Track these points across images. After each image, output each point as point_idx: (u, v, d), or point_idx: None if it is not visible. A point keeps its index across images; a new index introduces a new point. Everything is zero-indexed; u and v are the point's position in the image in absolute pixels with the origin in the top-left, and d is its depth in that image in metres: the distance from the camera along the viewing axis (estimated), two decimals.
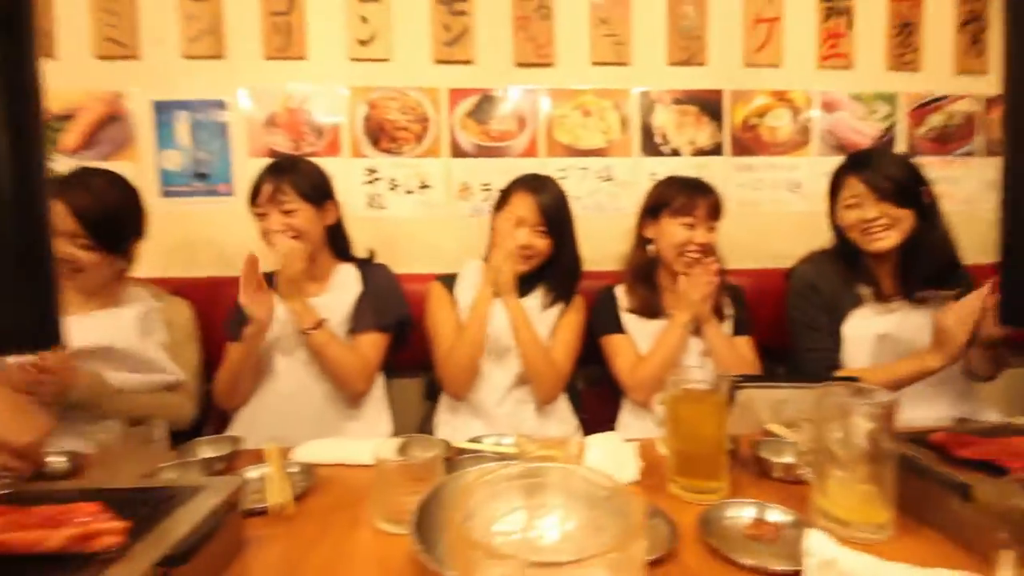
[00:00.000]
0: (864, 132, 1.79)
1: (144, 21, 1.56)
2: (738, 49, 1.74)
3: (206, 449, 0.87)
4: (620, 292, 1.36)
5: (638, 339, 1.30)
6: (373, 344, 1.27)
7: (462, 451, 0.85)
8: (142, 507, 0.54)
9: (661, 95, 1.72)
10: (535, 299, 1.32)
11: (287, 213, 1.20)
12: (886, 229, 1.18)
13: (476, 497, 0.30)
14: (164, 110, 1.58)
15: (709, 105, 1.73)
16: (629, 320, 1.32)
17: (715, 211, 1.28)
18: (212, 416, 1.35)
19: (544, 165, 1.67)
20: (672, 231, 1.26)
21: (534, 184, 1.30)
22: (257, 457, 0.88)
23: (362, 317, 1.28)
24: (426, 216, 1.68)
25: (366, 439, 0.94)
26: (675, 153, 1.74)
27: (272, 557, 0.60)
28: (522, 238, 1.25)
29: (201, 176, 1.61)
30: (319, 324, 1.17)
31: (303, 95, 1.62)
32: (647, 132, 1.72)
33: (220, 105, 1.60)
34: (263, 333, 1.15)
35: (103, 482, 0.67)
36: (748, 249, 1.71)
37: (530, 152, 1.69)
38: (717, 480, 0.74)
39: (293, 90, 1.62)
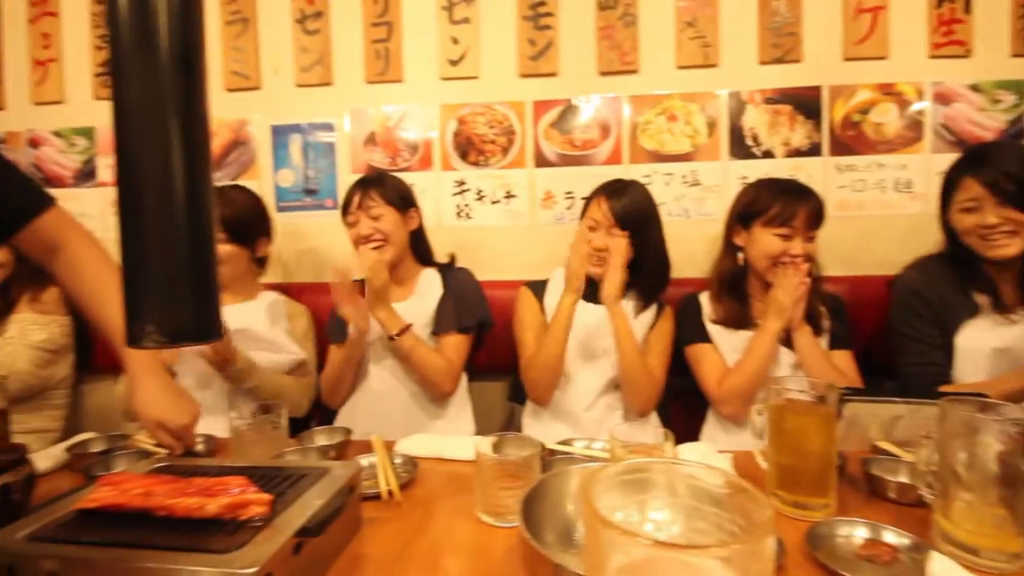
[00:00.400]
0: (986, 125, 1.62)
1: (264, 55, 1.76)
2: (837, 42, 1.64)
3: (321, 437, 0.96)
4: (705, 300, 1.32)
5: (724, 351, 1.25)
6: (456, 345, 1.34)
7: (552, 452, 0.87)
8: (280, 483, 0.61)
9: (752, 95, 1.66)
10: (626, 305, 1.31)
11: (375, 218, 1.31)
12: (1010, 236, 1.06)
13: (596, 488, 0.32)
14: (280, 133, 1.77)
15: (805, 103, 1.65)
16: (714, 331, 1.27)
17: (815, 219, 1.19)
18: (317, 411, 1.49)
19: (627, 172, 1.67)
20: (765, 241, 1.20)
21: (612, 189, 1.31)
22: (365, 447, 0.96)
23: (444, 319, 1.35)
24: (511, 225, 1.74)
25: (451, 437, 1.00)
26: (768, 155, 1.66)
27: (385, 538, 0.65)
28: (596, 241, 1.26)
29: (310, 192, 1.77)
30: (404, 330, 1.24)
31: (399, 115, 1.74)
32: (736, 134, 1.67)
33: (328, 127, 1.75)
34: (364, 338, 1.27)
35: (239, 461, 0.76)
36: (847, 255, 1.60)
37: (614, 159, 1.70)
38: (824, 497, 0.71)
39: (390, 111, 1.74)
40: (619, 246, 1.23)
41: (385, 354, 1.32)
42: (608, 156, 1.70)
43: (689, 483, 0.42)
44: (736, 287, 1.28)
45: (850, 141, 1.64)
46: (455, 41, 1.70)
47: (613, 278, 1.21)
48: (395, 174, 1.48)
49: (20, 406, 1.47)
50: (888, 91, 1.64)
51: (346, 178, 1.76)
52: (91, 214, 1.83)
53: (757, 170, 1.63)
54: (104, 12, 1.77)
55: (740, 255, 1.27)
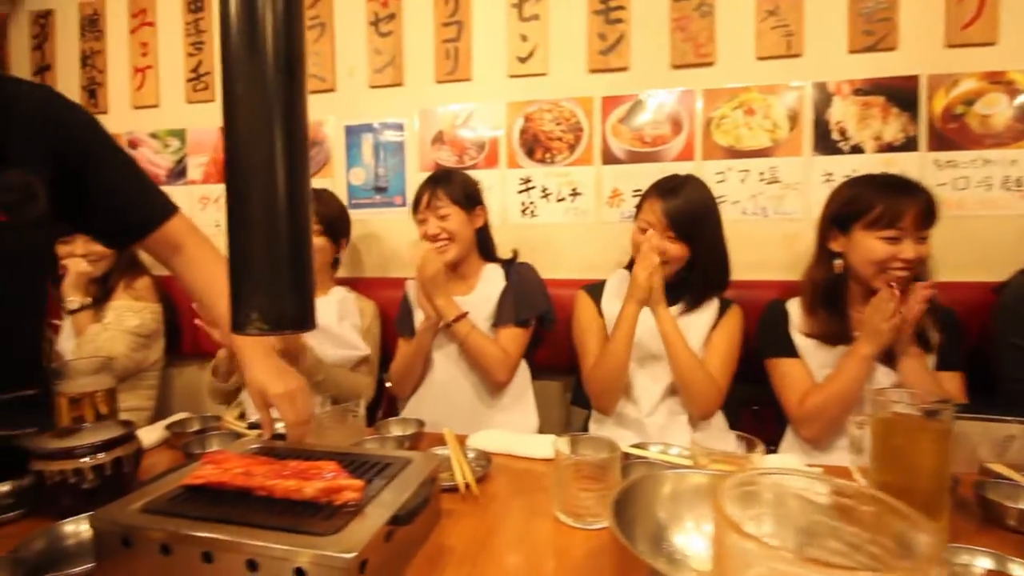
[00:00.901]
0: None
1: (340, 58, 1.82)
2: (938, 27, 1.50)
3: (396, 428, 0.98)
4: (793, 309, 1.22)
5: (814, 366, 1.15)
6: (513, 337, 1.35)
7: (627, 456, 0.85)
8: (367, 470, 0.62)
9: (839, 86, 1.56)
10: (679, 307, 1.26)
11: (442, 218, 1.35)
12: None
13: (726, 497, 0.30)
14: (353, 133, 1.83)
15: (900, 94, 1.53)
16: (804, 344, 1.17)
17: (927, 217, 1.07)
18: (383, 401, 1.54)
19: (700, 168, 1.61)
20: (869, 246, 1.08)
21: (665, 188, 1.24)
22: (437, 440, 0.98)
23: (503, 311, 1.37)
24: (576, 223, 1.71)
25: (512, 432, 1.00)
26: (856, 150, 1.56)
27: (464, 531, 0.66)
28: (650, 244, 1.20)
29: (380, 190, 1.82)
30: (460, 317, 1.28)
31: (466, 113, 1.75)
32: (821, 128, 1.57)
33: (398, 127, 1.80)
34: (435, 329, 1.30)
35: (320, 447, 0.79)
36: (944, 259, 1.47)
37: (685, 155, 1.64)
38: (935, 520, 0.65)
39: (457, 109, 1.76)
40: (652, 244, 1.18)
41: (449, 346, 1.36)
42: (679, 152, 1.64)
43: (806, 496, 0.39)
44: (833, 298, 1.16)
45: (951, 135, 1.51)
46: (524, 38, 1.70)
47: (651, 279, 1.16)
48: (464, 171, 1.51)
49: (117, 386, 1.60)
50: (996, 80, 1.49)
51: (415, 176, 1.80)
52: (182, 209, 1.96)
53: (844, 166, 1.53)
54: (193, 23, 1.90)
55: (839, 262, 1.15)
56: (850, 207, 1.13)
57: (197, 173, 1.95)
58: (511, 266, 1.45)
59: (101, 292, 1.60)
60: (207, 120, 1.93)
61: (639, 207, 1.29)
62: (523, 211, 1.74)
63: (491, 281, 1.41)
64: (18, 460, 0.73)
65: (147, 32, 1.97)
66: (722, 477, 0.32)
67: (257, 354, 0.83)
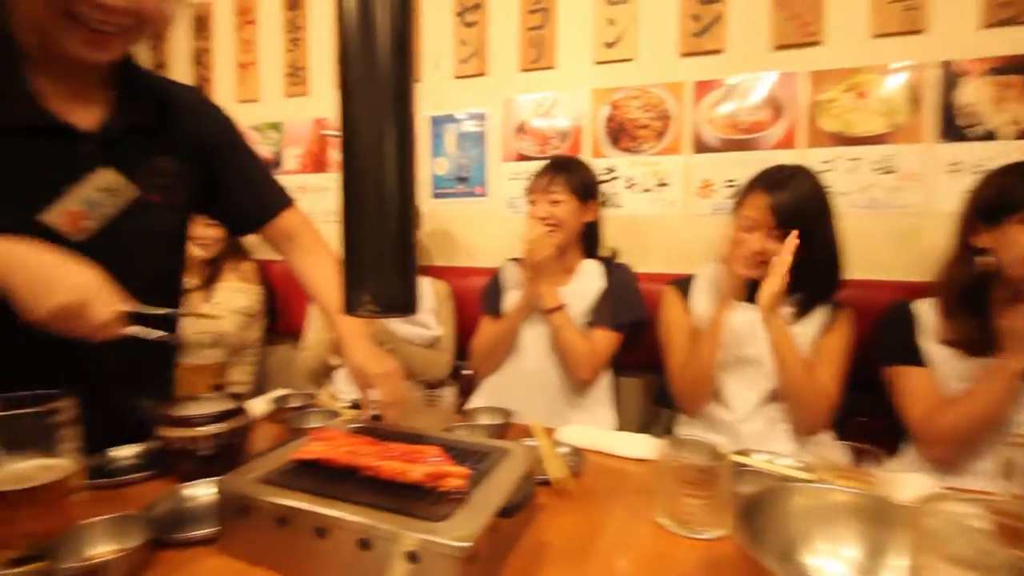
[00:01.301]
0: None
1: (426, 49, 1.85)
2: None
3: (483, 416, 0.98)
4: (922, 311, 1.09)
5: (946, 378, 1.02)
6: (605, 339, 1.32)
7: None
8: (466, 458, 0.62)
9: (970, 65, 1.38)
10: (787, 314, 1.15)
11: (554, 203, 1.33)
12: None
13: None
14: (437, 123, 1.85)
15: None
16: (937, 353, 1.04)
17: None
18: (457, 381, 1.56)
19: (802, 157, 1.49)
20: None
21: (772, 180, 1.13)
22: (523, 431, 0.97)
23: (600, 313, 1.34)
24: (662, 214, 1.64)
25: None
26: (989, 136, 1.38)
27: (561, 527, 0.64)
28: (753, 244, 1.10)
29: (462, 180, 1.83)
30: (560, 307, 1.27)
31: (549, 102, 1.73)
32: (947, 112, 1.40)
33: (481, 117, 1.80)
34: (528, 312, 1.31)
35: (418, 431, 0.80)
36: None
37: (786, 143, 1.52)
38: None
39: (540, 98, 1.73)
40: (787, 249, 1.05)
41: (542, 334, 1.34)
42: (779, 140, 1.53)
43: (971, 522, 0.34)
44: (975, 301, 1.02)
45: None
46: (611, 23, 1.64)
47: (771, 285, 1.05)
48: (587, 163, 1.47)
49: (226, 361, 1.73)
50: None
51: (495, 166, 1.79)
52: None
53: (975, 155, 1.36)
54: (291, 20, 1.99)
55: (984, 259, 1.01)
56: (1003, 198, 0.99)
57: (293, 164, 2.06)
58: (612, 265, 1.41)
59: (211, 273, 1.74)
60: (302, 113, 2.03)
61: (740, 201, 1.19)
62: (607, 202, 1.69)
63: (589, 277, 1.38)
64: (144, 427, 0.80)
65: (249, 30, 2.09)
66: (930, 500, 0.28)
67: (357, 337, 0.86)
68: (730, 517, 0.59)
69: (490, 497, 0.53)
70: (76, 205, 0.69)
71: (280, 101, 2.07)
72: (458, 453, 0.62)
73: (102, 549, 0.56)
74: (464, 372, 1.64)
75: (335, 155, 1.99)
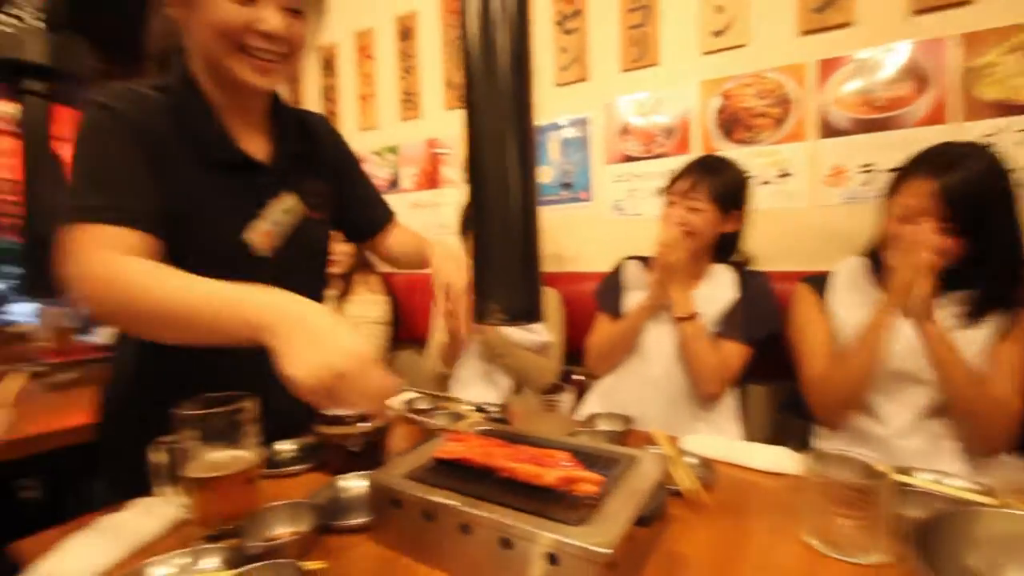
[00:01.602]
0: None
1: None
2: None
3: (603, 422, 0.98)
4: None
5: None
6: (737, 353, 1.24)
7: None
8: (594, 464, 0.62)
9: None
10: (954, 318, 1.00)
11: (692, 210, 1.25)
12: None
13: None
14: (540, 132, 1.89)
15: None
16: None
17: None
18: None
19: (956, 132, 1.30)
20: None
21: (938, 161, 0.98)
22: (644, 438, 0.95)
23: (732, 324, 1.25)
24: (784, 207, 1.52)
25: None
26: None
27: (696, 541, 0.62)
28: (919, 236, 0.96)
29: (566, 186, 1.85)
30: (693, 316, 1.21)
31: (654, 100, 1.68)
32: None
33: (583, 121, 1.80)
34: (653, 314, 1.27)
35: (541, 436, 0.82)
36: None
37: (935, 118, 1.34)
38: None
39: (644, 97, 1.69)
40: (932, 244, 0.93)
41: (666, 338, 1.29)
42: (926, 115, 1.35)
43: None
44: None
45: None
46: (719, 10, 1.56)
47: (920, 288, 0.92)
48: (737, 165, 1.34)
49: None
50: None
51: (599, 170, 1.78)
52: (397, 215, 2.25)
53: None
54: (403, 50, 2.14)
55: None
56: None
57: (409, 182, 2.21)
58: (746, 273, 1.32)
59: (344, 288, 1.92)
60: (416, 135, 2.17)
61: (894, 188, 1.05)
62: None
63: (720, 284, 1.30)
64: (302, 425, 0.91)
65: (368, 64, 2.29)
66: None
67: (444, 259, 0.92)
68: (893, 541, 0.54)
69: (625, 504, 0.53)
70: (268, 225, 0.82)
71: (396, 126, 2.24)
72: (585, 458, 0.63)
73: (280, 531, 0.64)
74: (575, 377, 1.64)
75: (447, 172, 2.11)
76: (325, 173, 0.94)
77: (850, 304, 1.11)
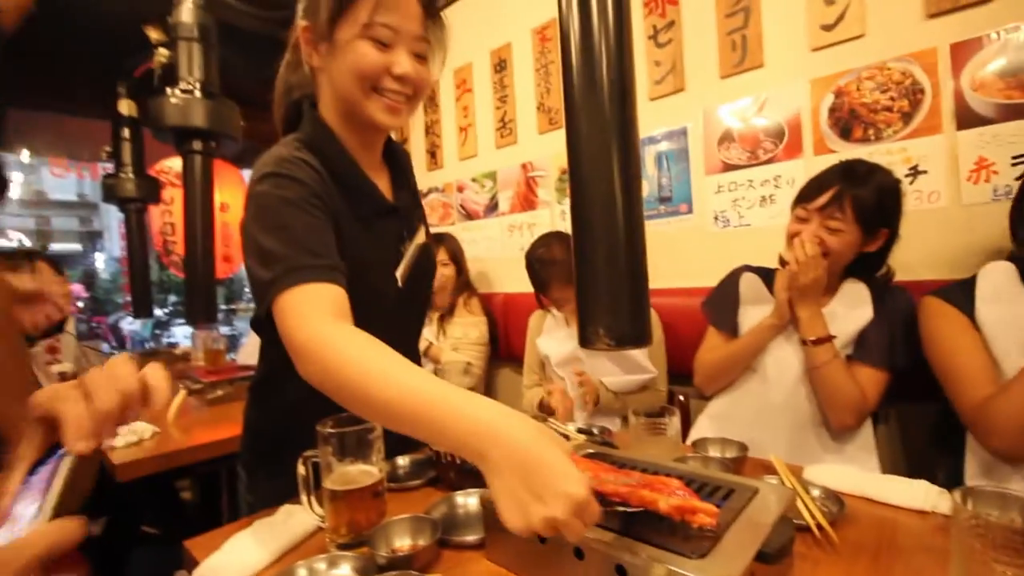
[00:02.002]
0: None
1: None
2: None
3: (714, 447, 0.94)
4: None
5: None
6: (875, 381, 1.12)
7: None
8: (710, 494, 0.60)
9: None
10: None
11: (830, 230, 1.12)
12: None
13: None
14: None
15: None
16: None
17: None
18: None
19: None
20: None
21: None
22: (761, 466, 0.89)
23: (869, 347, 1.13)
24: (917, 209, 1.36)
25: None
26: None
27: None
28: None
29: (664, 200, 1.80)
30: (828, 339, 1.10)
31: (758, 104, 1.60)
32: None
33: (682, 132, 1.76)
34: (778, 331, 1.19)
35: (649, 461, 0.80)
36: None
37: None
38: None
39: (747, 103, 1.62)
40: None
41: (792, 361, 1.18)
42: None
43: None
44: None
45: None
46: (830, 2, 1.45)
47: None
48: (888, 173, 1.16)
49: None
50: None
51: (700, 181, 1.72)
52: (495, 237, 2.34)
53: None
54: (499, 80, 2.24)
55: None
56: None
57: (506, 206, 2.29)
58: (884, 290, 1.18)
59: (448, 310, 2.03)
60: (512, 160, 2.25)
61: None
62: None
63: (853, 302, 1.17)
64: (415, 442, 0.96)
65: (467, 97, 2.42)
66: None
67: None
68: None
69: (746, 539, 0.51)
70: (409, 261, 0.89)
71: (493, 153, 2.33)
72: (699, 487, 0.61)
73: (403, 543, 0.69)
74: (680, 398, 1.58)
75: (541, 194, 2.15)
76: (418, 198, 1.03)
77: (1000, 318, 0.96)
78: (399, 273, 0.87)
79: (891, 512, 0.72)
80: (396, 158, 0.95)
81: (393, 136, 0.98)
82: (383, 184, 0.91)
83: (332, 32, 0.75)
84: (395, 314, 0.88)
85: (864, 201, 1.10)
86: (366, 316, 0.69)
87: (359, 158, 0.85)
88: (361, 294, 0.73)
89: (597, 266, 0.61)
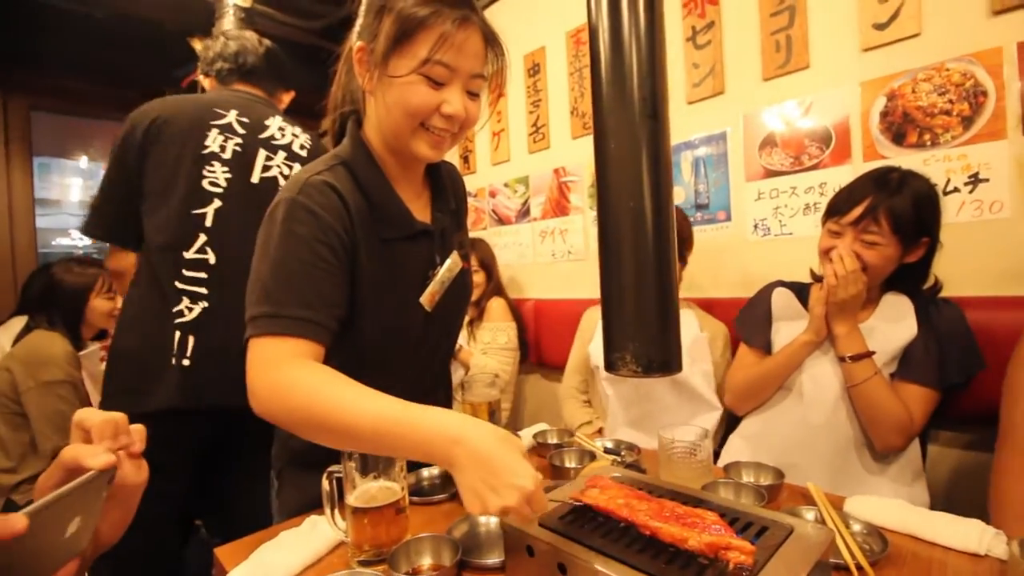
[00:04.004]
0: None
1: None
2: None
3: (748, 473, 0.90)
4: None
5: None
6: (922, 399, 1.05)
7: None
8: (744, 529, 0.57)
9: None
10: None
11: (868, 244, 1.07)
12: None
13: None
14: (673, 153, 1.81)
15: None
16: None
17: None
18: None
19: None
20: None
21: None
22: (798, 494, 0.85)
23: (915, 364, 1.07)
24: (980, 219, 1.27)
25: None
26: None
27: None
28: None
29: (701, 207, 1.75)
30: (865, 355, 1.05)
31: (804, 107, 1.53)
32: None
33: (721, 137, 1.70)
34: (814, 348, 1.14)
35: (672, 483, 0.76)
36: None
37: None
38: None
39: (792, 106, 1.55)
40: None
41: (830, 379, 1.12)
42: None
43: None
44: None
45: None
46: (882, 0, 1.37)
47: None
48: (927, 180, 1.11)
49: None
50: None
51: (739, 188, 1.66)
52: (526, 243, 2.32)
53: None
54: (532, 85, 2.22)
55: None
56: None
57: (538, 211, 2.27)
58: (929, 303, 1.12)
59: (477, 315, 2.03)
60: (544, 165, 2.23)
61: None
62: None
63: (894, 315, 1.11)
64: None
65: (501, 102, 2.42)
66: None
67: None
68: None
69: None
70: (436, 287, 0.86)
71: (525, 158, 2.32)
72: (733, 521, 0.58)
73: (423, 562, 0.69)
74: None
75: (573, 199, 2.12)
76: (462, 220, 1.00)
77: None
78: (423, 299, 0.84)
79: (940, 553, 0.66)
80: (440, 179, 0.92)
81: None
82: (421, 205, 0.89)
83: (387, 62, 0.73)
84: (424, 334, 0.86)
85: (900, 211, 1.04)
86: (390, 334, 0.70)
87: (397, 180, 0.84)
88: (380, 314, 0.74)
89: (624, 286, 0.59)
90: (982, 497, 1.24)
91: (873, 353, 1.06)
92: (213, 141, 1.17)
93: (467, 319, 2.08)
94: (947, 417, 1.22)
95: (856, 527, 0.71)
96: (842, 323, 1.08)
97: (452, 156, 2.69)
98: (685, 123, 1.77)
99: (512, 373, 2.00)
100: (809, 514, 0.74)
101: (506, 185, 2.40)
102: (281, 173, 1.24)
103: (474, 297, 2.03)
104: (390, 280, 0.80)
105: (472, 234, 2.42)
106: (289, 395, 0.63)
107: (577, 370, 1.72)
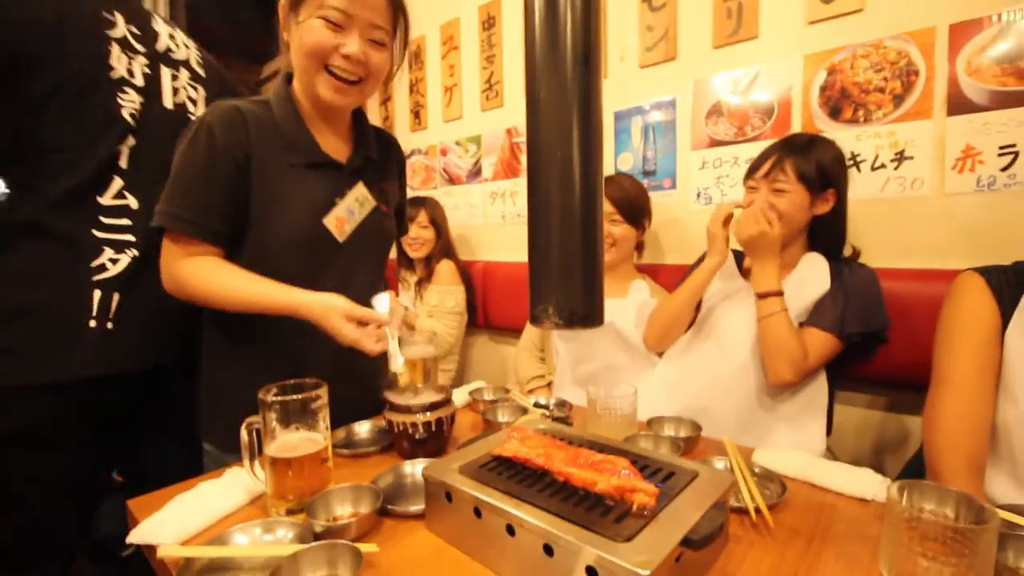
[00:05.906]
0: None
1: (612, 43, 1.82)
2: None
3: (669, 427, 0.94)
4: None
5: None
6: (821, 342, 1.14)
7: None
8: (652, 475, 0.60)
9: None
10: None
11: (776, 192, 1.18)
12: None
13: None
14: (622, 118, 1.81)
15: None
16: None
17: None
18: None
19: None
20: None
21: None
22: (713, 447, 0.90)
23: (821, 312, 1.16)
24: (902, 196, 1.34)
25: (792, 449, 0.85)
26: None
27: (757, 566, 0.57)
28: None
29: (648, 173, 1.76)
30: (777, 293, 1.14)
31: (749, 77, 1.55)
32: None
33: (671, 104, 1.70)
34: (714, 272, 1.25)
35: (593, 435, 0.79)
36: None
37: None
38: None
39: (739, 75, 1.56)
40: None
41: (746, 327, 1.20)
42: None
43: None
44: None
45: None
46: None
47: None
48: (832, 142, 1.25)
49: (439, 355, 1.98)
50: None
51: (685, 156, 1.68)
52: (476, 204, 2.29)
53: None
54: (487, 39, 2.15)
55: None
56: None
57: (489, 172, 2.23)
58: (843, 264, 1.21)
59: (426, 274, 2.00)
60: (497, 124, 2.18)
61: None
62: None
63: (812, 275, 1.20)
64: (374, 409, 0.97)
65: (454, 55, 2.33)
66: None
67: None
68: None
69: (678, 522, 0.51)
70: (342, 213, 0.94)
71: (478, 116, 2.26)
72: (642, 468, 0.61)
73: (344, 511, 0.69)
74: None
75: (525, 161, 2.10)
76: (392, 178, 1.10)
77: None
78: (327, 220, 0.92)
79: (832, 498, 0.72)
80: (365, 131, 1.03)
81: (377, 95, 1.03)
82: (340, 148, 0.98)
83: (297, 11, 0.85)
84: (332, 261, 0.94)
85: (803, 162, 1.17)
86: (289, 248, 0.88)
87: (315, 123, 0.94)
88: (280, 228, 0.88)
89: (550, 239, 0.59)
90: (880, 450, 1.36)
91: (781, 293, 1.14)
92: (118, 61, 0.94)
93: (415, 279, 2.05)
94: (856, 378, 1.32)
95: (761, 475, 0.76)
96: (756, 262, 1.17)
97: (403, 109, 2.58)
98: (638, 88, 1.76)
99: (458, 337, 2.00)
100: (719, 463, 0.79)
101: (457, 143, 2.34)
102: (189, 97, 1.07)
103: (422, 254, 2.00)
104: (292, 199, 0.89)
105: (423, 193, 2.37)
106: (187, 285, 0.84)
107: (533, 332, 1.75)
